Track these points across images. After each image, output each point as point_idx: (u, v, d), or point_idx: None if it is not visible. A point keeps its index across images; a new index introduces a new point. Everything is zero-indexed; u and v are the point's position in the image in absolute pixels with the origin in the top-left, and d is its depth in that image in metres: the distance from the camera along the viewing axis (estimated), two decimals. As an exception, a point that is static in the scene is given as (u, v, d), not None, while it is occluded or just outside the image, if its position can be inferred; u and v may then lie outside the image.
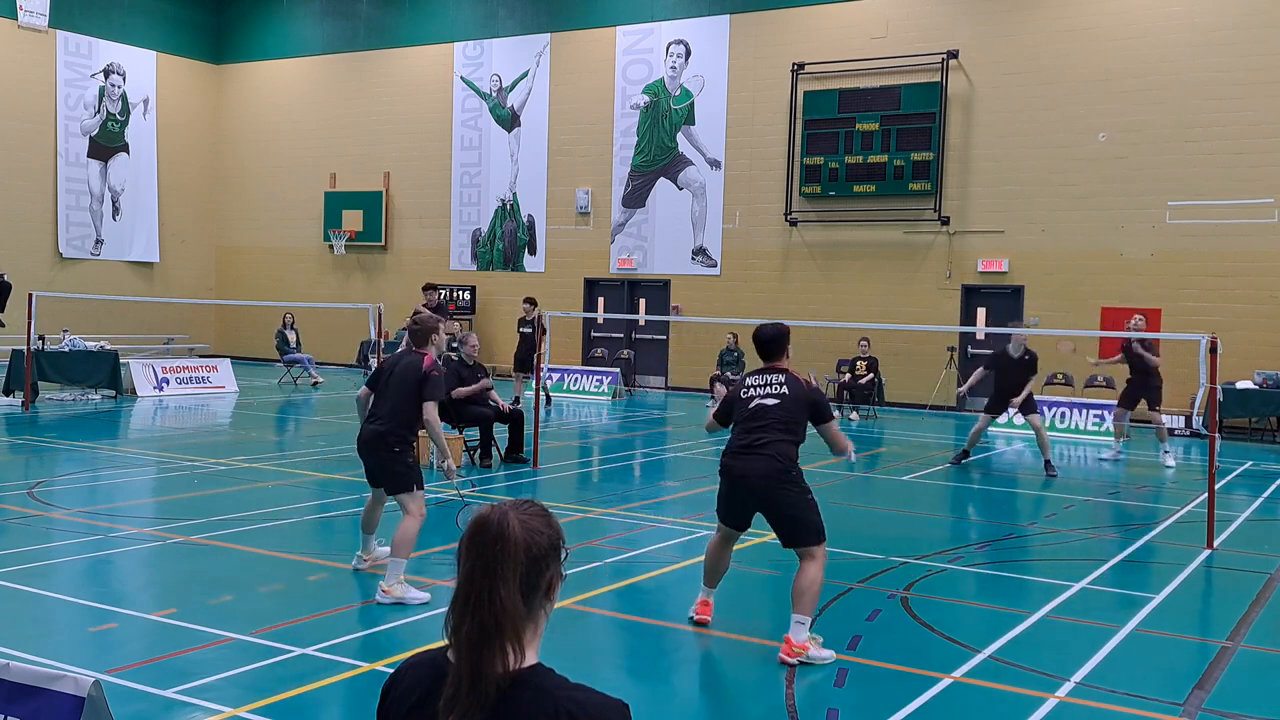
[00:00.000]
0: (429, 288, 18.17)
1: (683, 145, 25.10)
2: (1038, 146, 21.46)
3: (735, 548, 7.47)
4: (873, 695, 6.00)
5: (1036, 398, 19.49)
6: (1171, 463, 15.51)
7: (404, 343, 8.98)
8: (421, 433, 13.30)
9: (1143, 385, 15.76)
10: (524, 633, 2.06)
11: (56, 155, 28.08)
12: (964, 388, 15.45)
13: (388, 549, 7.98)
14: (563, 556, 2.17)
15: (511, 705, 2.02)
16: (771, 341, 7.08)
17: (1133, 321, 16.34)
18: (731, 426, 7.05)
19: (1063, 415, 19.00)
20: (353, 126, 29.39)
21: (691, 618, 7.26)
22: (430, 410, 7.98)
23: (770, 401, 6.86)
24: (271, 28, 30.78)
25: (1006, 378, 14.53)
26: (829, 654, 6.52)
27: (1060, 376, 20.93)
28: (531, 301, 20.59)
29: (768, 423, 6.81)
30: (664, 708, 5.96)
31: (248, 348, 30.34)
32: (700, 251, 24.90)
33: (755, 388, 6.98)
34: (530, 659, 2.09)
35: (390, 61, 28.88)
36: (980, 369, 15.07)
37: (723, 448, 7.09)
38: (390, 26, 28.87)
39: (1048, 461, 14.48)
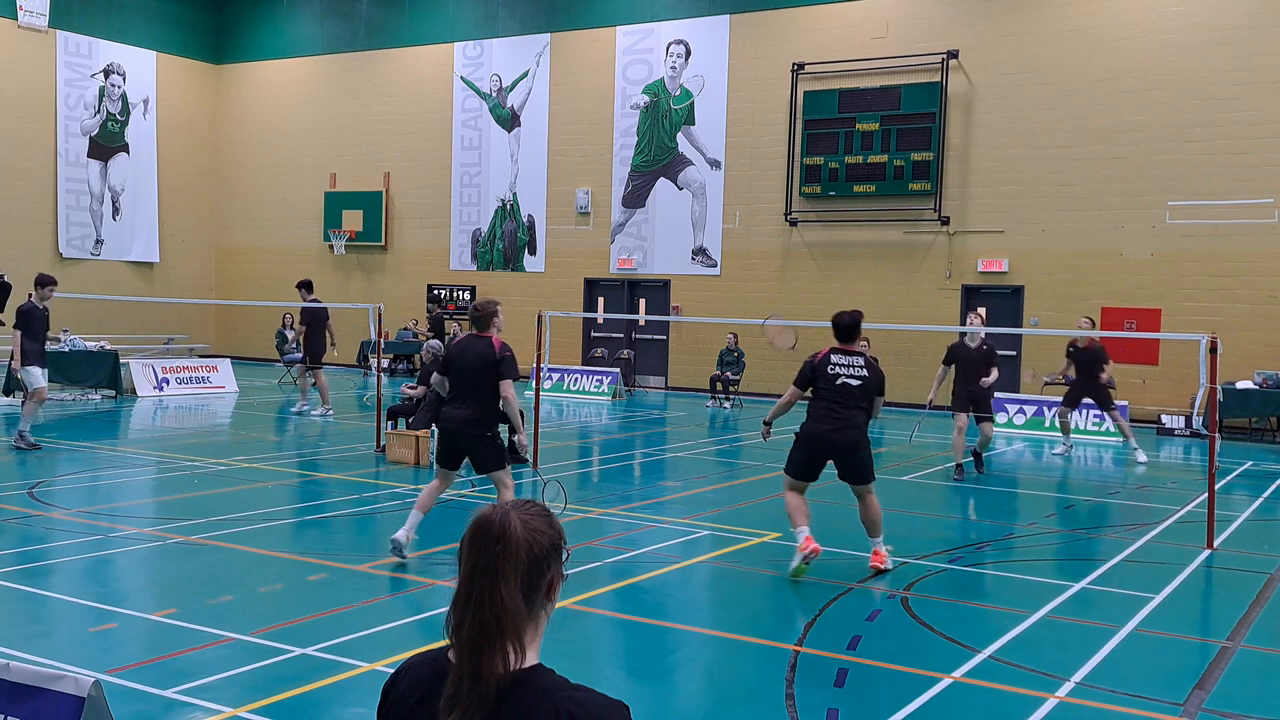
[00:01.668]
0: (434, 300, 18.78)
1: (683, 145, 25.10)
2: (1038, 146, 21.46)
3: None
4: (873, 695, 6.00)
5: (1034, 396, 19.56)
6: (1143, 459, 15.55)
7: (462, 332, 9.76)
8: (421, 433, 13.38)
9: (1090, 385, 15.66)
10: (525, 633, 2.06)
11: (56, 155, 28.09)
12: (931, 394, 14.56)
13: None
14: (564, 556, 2.17)
15: (512, 705, 2.02)
16: (852, 328, 8.76)
17: (1080, 322, 16.56)
18: (814, 396, 8.60)
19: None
20: (353, 126, 29.39)
21: (806, 556, 8.26)
22: (507, 388, 8.57)
23: (854, 382, 8.49)
24: (271, 28, 30.78)
25: (966, 372, 13.98)
26: (894, 562, 8.72)
27: (1060, 377, 20.91)
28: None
29: (850, 399, 8.45)
30: (664, 708, 5.96)
31: (248, 348, 30.35)
32: (700, 251, 24.90)
33: (840, 367, 8.55)
34: (531, 659, 2.09)
35: (390, 61, 28.89)
36: (940, 368, 14.38)
37: (796, 426, 8.81)
38: (390, 26, 28.88)
39: (978, 455, 14.18)
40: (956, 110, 22.22)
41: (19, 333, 14.01)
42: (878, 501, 8.70)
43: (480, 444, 8.58)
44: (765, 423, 9.02)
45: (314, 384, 18.65)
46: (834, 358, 8.58)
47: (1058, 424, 16.91)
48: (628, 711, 2.06)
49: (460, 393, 8.59)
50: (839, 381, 8.46)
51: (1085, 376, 15.70)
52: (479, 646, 2.02)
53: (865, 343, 20.89)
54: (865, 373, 8.52)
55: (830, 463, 8.68)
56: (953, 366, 14.18)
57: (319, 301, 19.03)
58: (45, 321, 14.37)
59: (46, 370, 14.54)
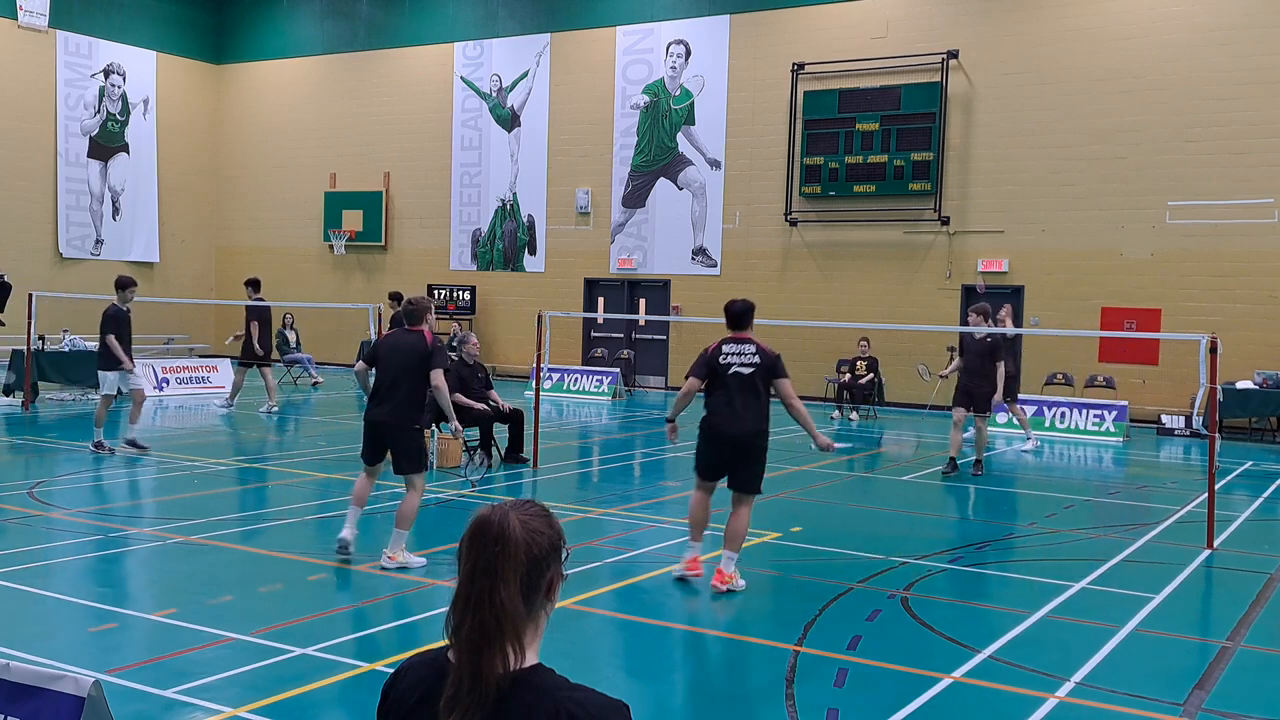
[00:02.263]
0: (395, 296, 19.22)
1: (683, 145, 25.10)
2: (1038, 146, 21.46)
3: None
4: (873, 695, 6.00)
5: (1033, 396, 19.55)
6: (1029, 447, 15.97)
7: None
8: (444, 436, 13.33)
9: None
10: (524, 633, 2.06)
11: (56, 155, 28.08)
12: (947, 370, 14.86)
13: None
14: (564, 556, 2.17)
15: (512, 705, 2.02)
16: (741, 314, 8.33)
17: (1001, 313, 16.64)
18: (709, 389, 8.21)
19: (1062, 415, 18.99)
20: (353, 126, 29.39)
21: (684, 576, 8.02)
22: (438, 376, 8.45)
23: (745, 370, 8.08)
24: (271, 28, 30.78)
25: (969, 365, 14.03)
26: (743, 583, 8.00)
27: (1060, 376, 20.95)
28: (396, 297, 20.59)
29: (743, 388, 8.05)
30: (664, 708, 5.96)
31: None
32: (700, 251, 24.90)
33: (731, 355, 8.15)
34: (531, 659, 2.09)
35: (390, 61, 28.88)
36: (955, 359, 14.57)
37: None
38: (390, 26, 28.87)
39: (978, 459, 14.24)
40: (956, 110, 22.22)
41: (110, 337, 13.92)
42: (749, 517, 8.14)
43: (406, 436, 8.48)
44: (668, 420, 8.47)
45: (253, 381, 19.42)
46: (725, 347, 8.19)
47: (1016, 420, 17.16)
48: (628, 711, 2.06)
49: (390, 384, 8.47)
50: (730, 370, 8.08)
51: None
52: (478, 647, 2.02)
53: (865, 342, 21.06)
54: (756, 359, 8.09)
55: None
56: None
57: (264, 300, 19.43)
58: (130, 324, 14.30)
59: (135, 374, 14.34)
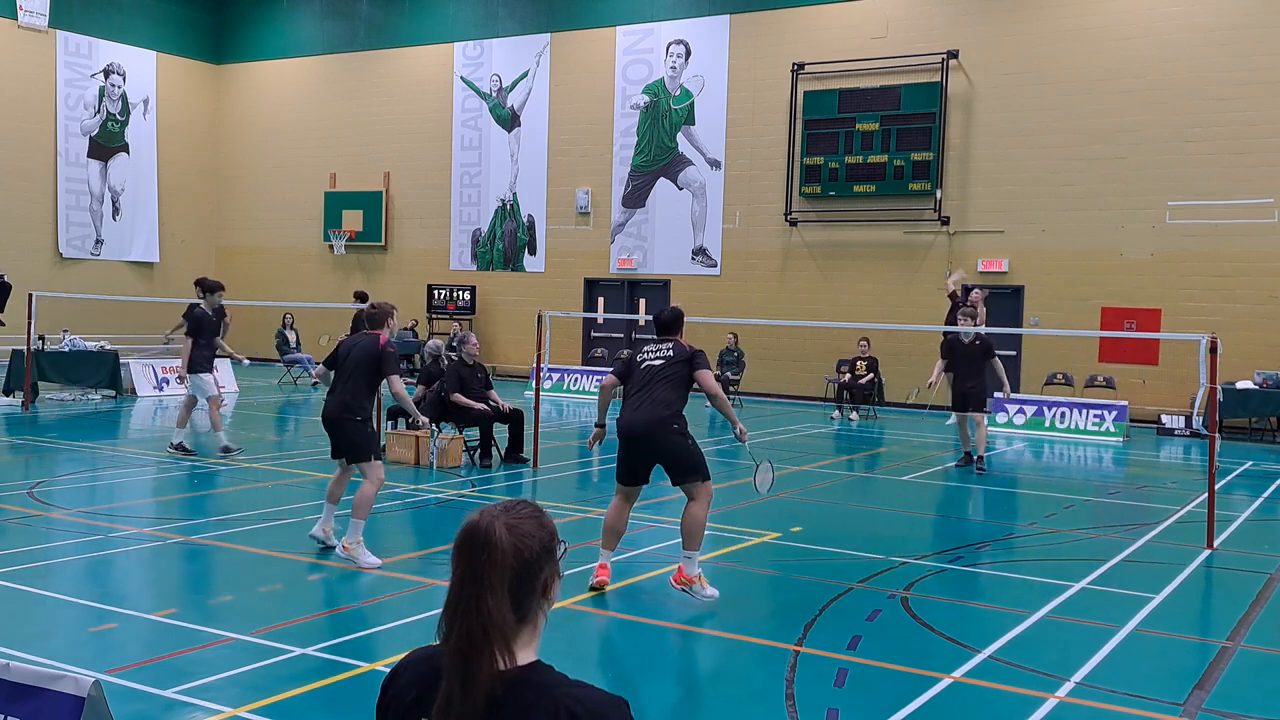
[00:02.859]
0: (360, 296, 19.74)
1: (683, 145, 25.10)
2: (1038, 146, 21.46)
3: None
4: (873, 695, 6.00)
5: (1033, 396, 19.55)
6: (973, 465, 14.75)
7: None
8: (421, 432, 13.37)
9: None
10: (513, 640, 2.07)
11: (56, 155, 28.09)
12: (933, 377, 14.46)
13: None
14: (559, 553, 2.17)
15: (512, 703, 2.03)
16: (672, 322, 8.09)
17: (972, 297, 16.22)
18: (626, 393, 7.96)
19: (1062, 415, 18.99)
20: (353, 126, 29.39)
21: (592, 585, 7.73)
22: (395, 383, 8.72)
23: (657, 363, 7.84)
24: (271, 28, 30.78)
25: (961, 368, 13.99)
26: (713, 592, 7.55)
27: (1060, 376, 20.95)
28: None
29: (652, 379, 7.77)
30: (664, 708, 5.96)
31: (247, 348, 30.28)
32: (700, 251, 24.90)
33: (648, 354, 7.95)
34: (529, 657, 2.10)
35: (390, 61, 28.89)
36: (939, 362, 14.39)
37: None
38: (390, 26, 28.87)
39: (979, 458, 14.21)
40: (956, 110, 22.22)
41: (190, 340, 13.87)
42: (704, 509, 7.70)
43: (348, 427, 8.63)
44: (597, 425, 8.30)
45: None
46: (645, 349, 8.03)
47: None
48: (627, 707, 2.07)
49: (340, 382, 8.76)
50: (644, 366, 7.86)
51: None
52: (465, 656, 2.04)
53: (865, 342, 21.06)
54: (670, 352, 7.83)
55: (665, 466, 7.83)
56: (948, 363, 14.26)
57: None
58: (216, 328, 14.27)
59: (216, 375, 14.27)
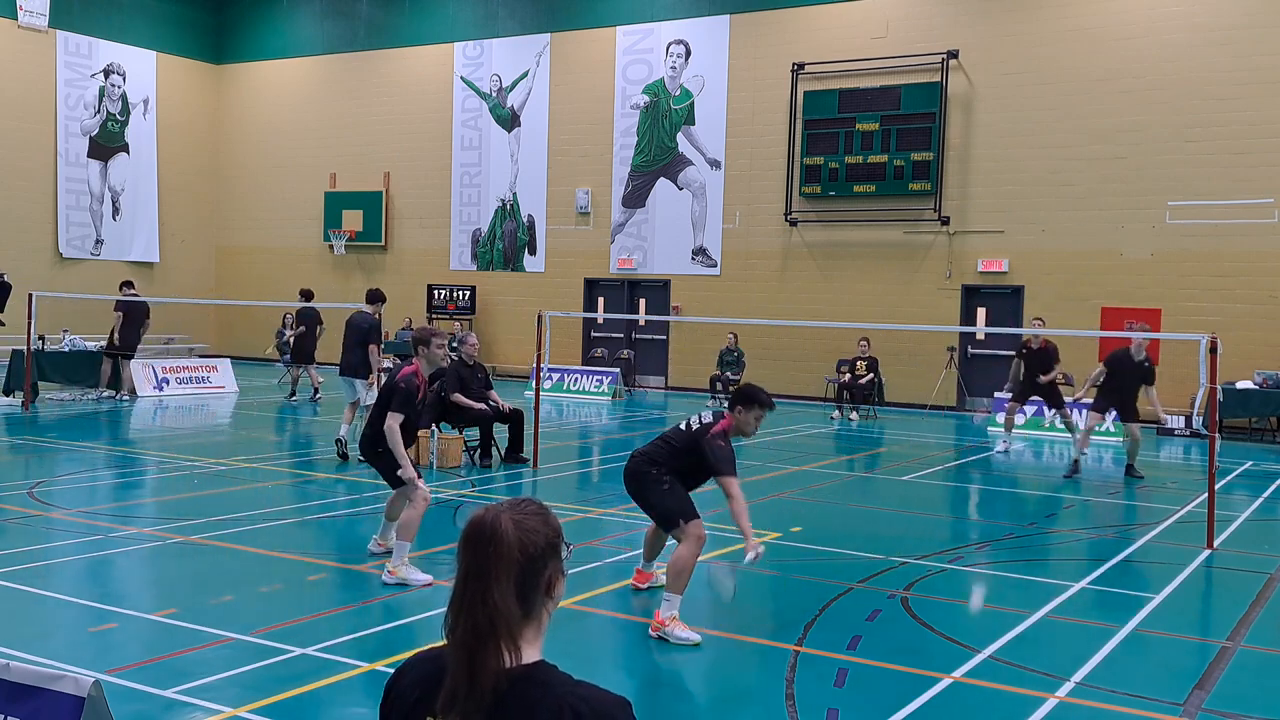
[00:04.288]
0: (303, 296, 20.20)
1: (683, 145, 25.09)
2: (1038, 146, 21.46)
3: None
4: (873, 695, 6.00)
5: (1034, 397, 19.54)
6: (1079, 455, 14.90)
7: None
8: (421, 433, 13.38)
9: (1039, 384, 15.85)
10: (519, 634, 2.08)
11: (56, 155, 28.08)
12: (1082, 391, 15.39)
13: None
14: (564, 554, 2.18)
15: (516, 701, 2.04)
16: (734, 396, 7.64)
17: (1033, 322, 16.80)
18: None
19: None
20: (353, 126, 29.39)
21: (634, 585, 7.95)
22: (389, 419, 8.22)
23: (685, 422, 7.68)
24: (271, 28, 30.78)
25: (1124, 382, 14.03)
26: (693, 637, 6.84)
27: (1060, 376, 20.91)
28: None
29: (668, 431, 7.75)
30: (664, 708, 5.96)
31: (247, 348, 30.33)
32: (700, 251, 24.90)
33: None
34: (534, 656, 2.10)
35: (390, 61, 28.89)
36: (1099, 371, 14.48)
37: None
38: (390, 26, 28.88)
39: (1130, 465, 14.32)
40: (956, 110, 22.22)
41: (373, 346, 13.91)
42: (688, 553, 7.07)
43: (377, 463, 8.56)
44: None
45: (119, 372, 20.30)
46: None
47: (1001, 421, 16.94)
48: (629, 707, 2.07)
49: (373, 411, 8.71)
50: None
51: (1035, 375, 15.84)
52: (472, 649, 2.04)
53: (865, 342, 21.06)
54: (706, 418, 7.58)
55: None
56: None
57: (138, 296, 20.73)
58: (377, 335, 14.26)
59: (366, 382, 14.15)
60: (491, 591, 2.05)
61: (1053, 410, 16.43)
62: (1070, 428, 16.06)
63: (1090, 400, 14.72)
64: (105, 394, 20.15)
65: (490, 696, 2.02)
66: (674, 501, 7.34)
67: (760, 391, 7.44)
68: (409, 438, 8.40)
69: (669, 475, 7.41)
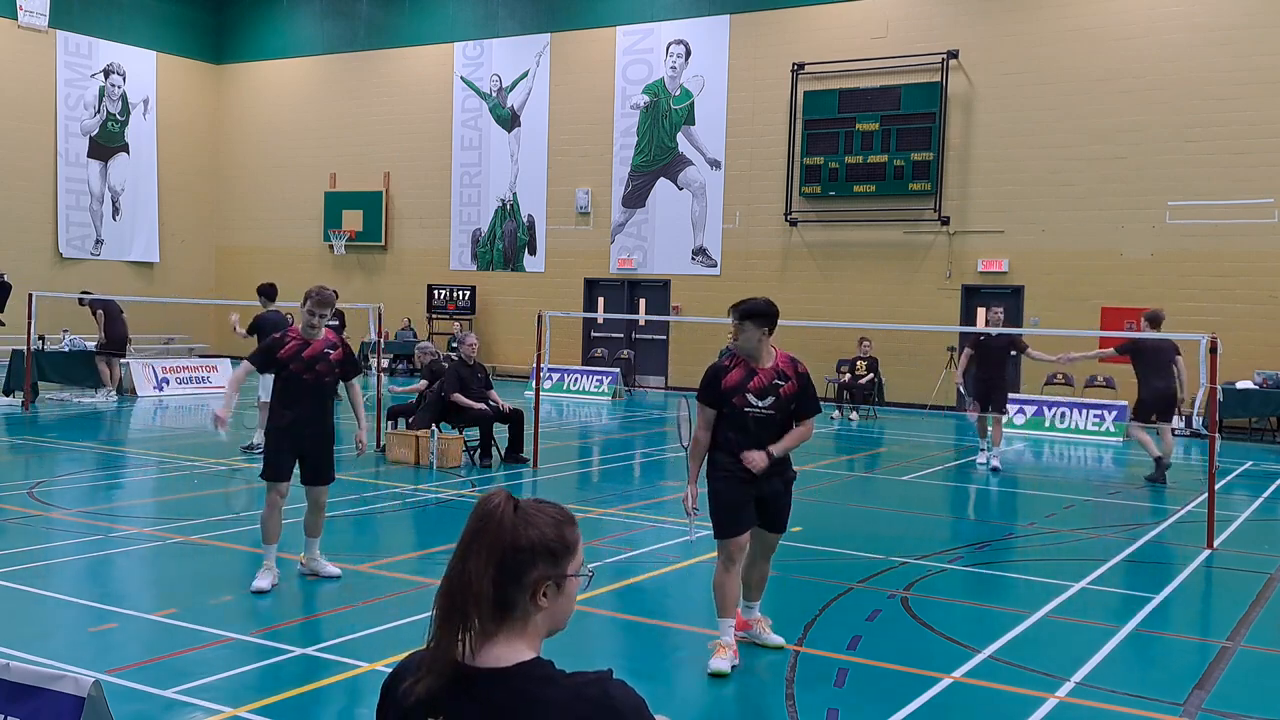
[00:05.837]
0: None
1: (683, 145, 25.09)
2: (1038, 146, 21.46)
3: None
4: (873, 695, 6.00)
5: (1033, 396, 19.56)
6: (985, 461, 14.45)
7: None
8: (421, 433, 13.37)
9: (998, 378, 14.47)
10: (486, 620, 2.07)
11: (56, 155, 28.08)
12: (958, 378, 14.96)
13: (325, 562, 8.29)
14: (568, 568, 2.14)
15: (518, 698, 2.04)
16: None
17: (993, 313, 15.23)
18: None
19: (1062, 415, 18.99)
20: (353, 126, 29.39)
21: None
22: (242, 365, 8.35)
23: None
24: (271, 28, 30.78)
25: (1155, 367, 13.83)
26: (720, 665, 6.26)
27: (1060, 376, 20.93)
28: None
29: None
30: (664, 708, 5.95)
31: (247, 348, 30.27)
32: (700, 251, 24.90)
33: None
34: (526, 654, 2.09)
35: (390, 61, 28.89)
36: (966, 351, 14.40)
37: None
38: (390, 26, 28.88)
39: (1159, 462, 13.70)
40: (956, 110, 22.22)
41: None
42: (718, 573, 6.49)
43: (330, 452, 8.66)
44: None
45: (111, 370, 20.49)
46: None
47: (976, 427, 15.04)
48: (645, 707, 2.12)
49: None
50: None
51: (996, 371, 14.43)
52: (438, 620, 2.07)
53: (865, 342, 21.05)
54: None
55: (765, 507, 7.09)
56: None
57: (105, 295, 21.33)
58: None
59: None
60: (468, 564, 2.06)
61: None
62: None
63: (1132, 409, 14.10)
64: (110, 394, 20.08)
65: (447, 671, 2.02)
66: (713, 507, 6.64)
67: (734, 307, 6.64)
68: (301, 403, 8.15)
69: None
